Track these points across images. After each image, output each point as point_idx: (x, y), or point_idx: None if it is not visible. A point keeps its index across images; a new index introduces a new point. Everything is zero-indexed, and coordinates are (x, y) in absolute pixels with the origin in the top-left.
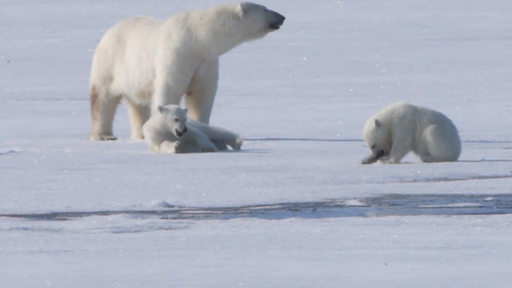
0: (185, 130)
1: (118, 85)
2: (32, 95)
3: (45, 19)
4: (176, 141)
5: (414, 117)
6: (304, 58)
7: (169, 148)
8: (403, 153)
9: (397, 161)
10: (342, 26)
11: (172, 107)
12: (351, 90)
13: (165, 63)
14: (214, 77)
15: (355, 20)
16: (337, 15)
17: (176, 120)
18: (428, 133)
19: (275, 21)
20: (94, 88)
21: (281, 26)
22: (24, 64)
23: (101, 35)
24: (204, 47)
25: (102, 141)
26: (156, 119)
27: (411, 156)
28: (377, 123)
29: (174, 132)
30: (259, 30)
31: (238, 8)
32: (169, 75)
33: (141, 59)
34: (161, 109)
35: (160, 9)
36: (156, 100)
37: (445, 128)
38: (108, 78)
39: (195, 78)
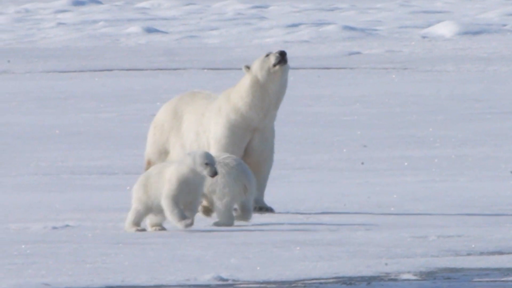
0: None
1: (174, 159)
2: (87, 169)
3: (100, 94)
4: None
5: None
6: (359, 132)
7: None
8: None
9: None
10: (396, 99)
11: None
12: (406, 164)
13: (215, 137)
14: (269, 149)
15: (410, 94)
16: (392, 88)
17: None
18: None
19: (275, 60)
20: (149, 162)
21: (287, 59)
22: (79, 139)
23: (156, 109)
24: (243, 115)
25: None
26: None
27: (464, 230)
28: None
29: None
30: (267, 74)
31: (243, 69)
32: (221, 149)
33: (199, 134)
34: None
35: (214, 83)
36: None
37: None
38: (164, 152)
39: (249, 150)
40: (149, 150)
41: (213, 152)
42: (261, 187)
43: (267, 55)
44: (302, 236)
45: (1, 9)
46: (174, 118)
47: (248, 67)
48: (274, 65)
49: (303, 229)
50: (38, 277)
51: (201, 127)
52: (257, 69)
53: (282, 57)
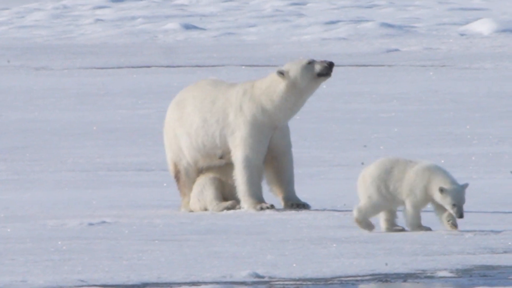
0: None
1: (187, 150)
2: (124, 166)
3: (137, 90)
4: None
5: None
6: (396, 129)
7: None
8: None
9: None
10: (434, 97)
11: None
12: (443, 161)
13: (241, 136)
14: (287, 144)
15: (447, 91)
16: (430, 86)
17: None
18: None
19: (320, 70)
20: (175, 165)
21: (332, 73)
22: (116, 135)
23: None
24: (270, 116)
25: (192, 212)
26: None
27: (501, 227)
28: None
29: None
30: (309, 83)
31: (276, 74)
32: (247, 148)
33: (207, 121)
34: None
35: (250, 77)
36: (238, 175)
37: None
38: (179, 149)
39: (270, 146)
40: (169, 154)
41: (239, 150)
42: (291, 182)
43: (310, 63)
44: (338, 233)
45: (40, 5)
46: (177, 109)
47: (281, 73)
48: (319, 75)
49: (340, 226)
50: (74, 274)
51: (211, 115)
52: (297, 75)
53: (330, 69)
